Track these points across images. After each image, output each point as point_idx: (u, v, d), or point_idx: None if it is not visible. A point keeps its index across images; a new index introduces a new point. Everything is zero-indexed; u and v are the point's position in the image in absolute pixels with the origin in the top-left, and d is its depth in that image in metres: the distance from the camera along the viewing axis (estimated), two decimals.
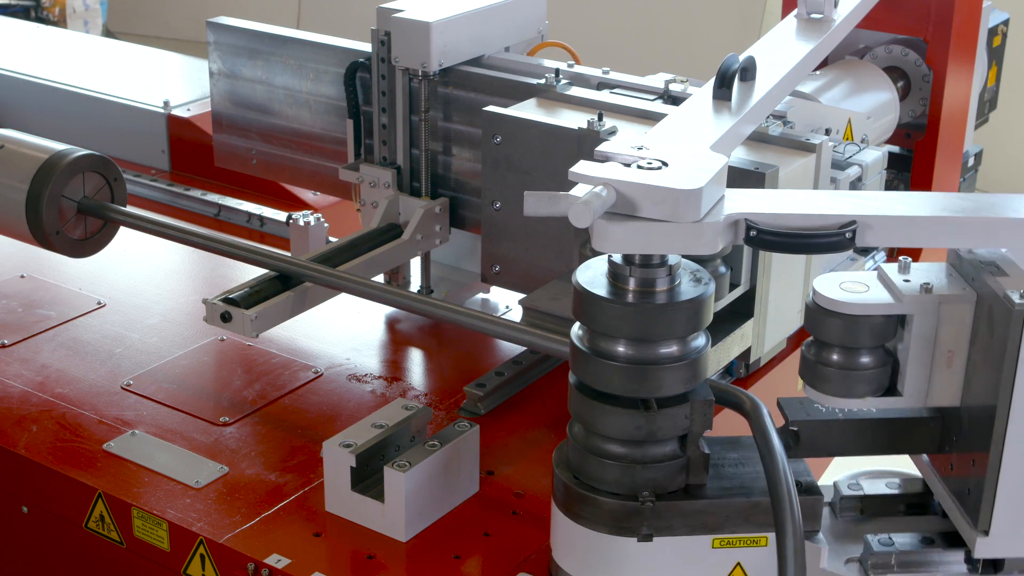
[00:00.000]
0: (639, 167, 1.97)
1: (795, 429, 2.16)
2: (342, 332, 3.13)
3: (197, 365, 2.98)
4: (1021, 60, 2.95)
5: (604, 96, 2.86)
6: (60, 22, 9.43)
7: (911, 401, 2.10)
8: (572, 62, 3.06)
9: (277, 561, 2.31)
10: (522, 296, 2.68)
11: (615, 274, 2.05)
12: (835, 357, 2.09)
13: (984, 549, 2.06)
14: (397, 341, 3.10)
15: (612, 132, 2.62)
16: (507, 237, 2.81)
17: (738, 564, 2.20)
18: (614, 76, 2.96)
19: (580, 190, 1.94)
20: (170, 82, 4.41)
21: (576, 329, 2.11)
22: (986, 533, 2.04)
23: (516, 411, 2.81)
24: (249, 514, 2.45)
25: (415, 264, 3.19)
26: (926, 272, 2.07)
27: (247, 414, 2.78)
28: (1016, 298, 1.91)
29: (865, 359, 2.08)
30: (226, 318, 2.70)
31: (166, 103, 4.09)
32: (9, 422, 2.75)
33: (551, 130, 2.69)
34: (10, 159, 2.98)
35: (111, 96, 4.17)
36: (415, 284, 3.17)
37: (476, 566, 2.33)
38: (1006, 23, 3.21)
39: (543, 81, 2.90)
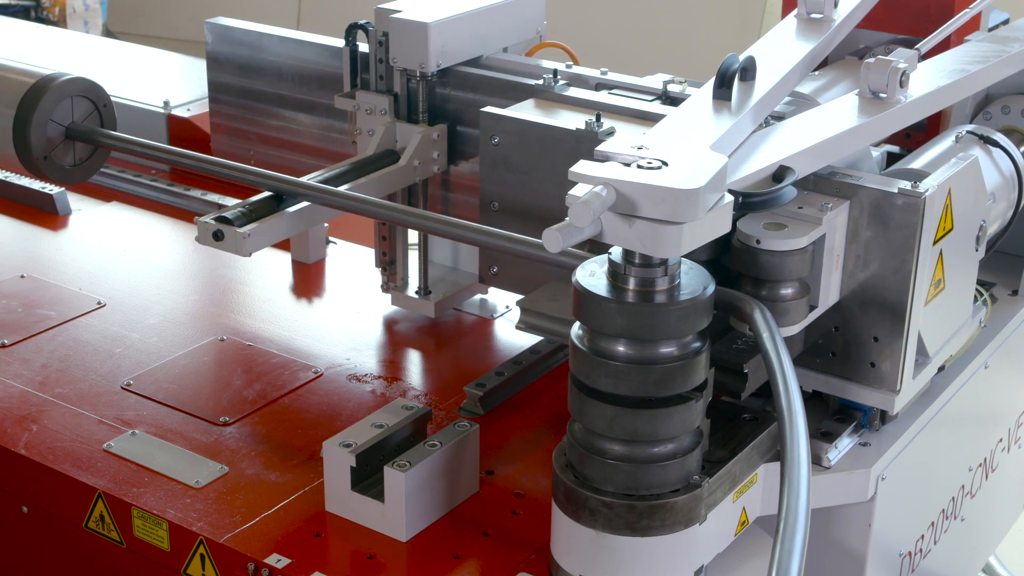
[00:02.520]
0: (639, 167, 1.97)
1: (747, 371, 2.25)
2: (342, 332, 3.13)
3: (197, 365, 2.98)
4: None
5: (602, 97, 2.85)
6: (60, 22, 9.44)
7: (821, 309, 2.34)
8: (571, 63, 3.05)
9: (277, 561, 2.31)
10: (520, 297, 2.67)
11: (615, 273, 2.05)
12: (789, 291, 2.24)
13: (899, 403, 2.40)
14: (397, 341, 3.11)
15: (610, 133, 2.61)
16: None
17: (743, 509, 2.30)
18: (612, 77, 2.95)
19: (580, 190, 1.94)
20: (170, 82, 4.41)
21: (576, 329, 2.11)
22: (899, 391, 2.38)
23: (516, 411, 2.82)
24: (249, 514, 2.45)
25: (412, 264, 3.17)
26: (802, 198, 2.29)
27: (247, 414, 2.78)
28: (912, 188, 2.25)
29: (800, 286, 2.27)
30: (218, 236, 2.61)
31: (166, 103, 4.09)
32: (9, 422, 2.75)
33: (549, 131, 2.68)
34: None
35: (111, 96, 4.17)
36: (413, 284, 3.16)
37: (476, 566, 2.34)
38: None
39: (541, 82, 2.89)
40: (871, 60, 2.44)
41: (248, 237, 2.62)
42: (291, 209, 2.73)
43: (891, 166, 2.60)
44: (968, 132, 2.69)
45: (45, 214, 3.77)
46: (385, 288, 3.19)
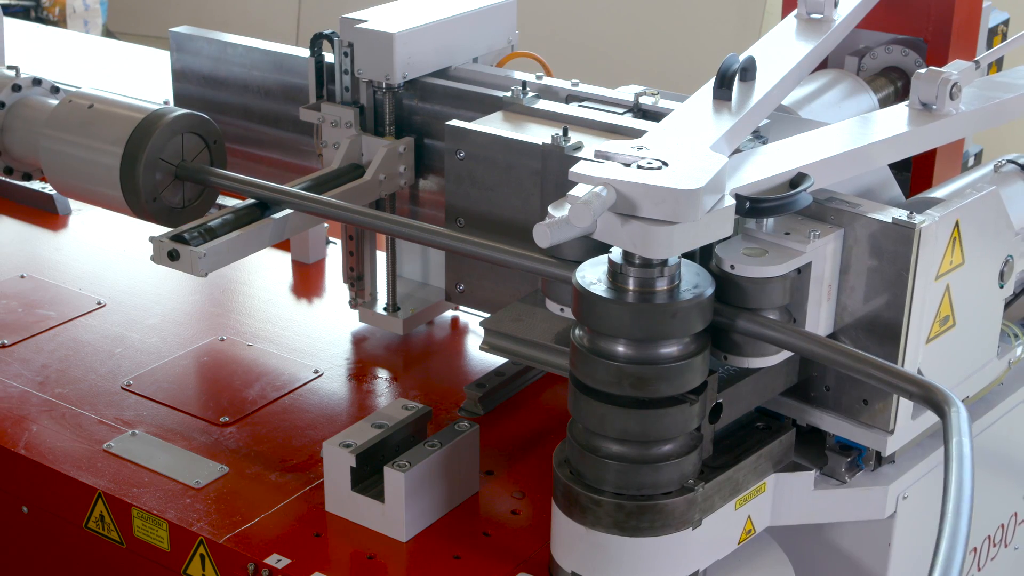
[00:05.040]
0: (639, 167, 1.97)
1: (721, 401, 2.19)
2: (342, 332, 3.13)
3: (197, 365, 2.98)
4: (1021, 60, 2.95)
5: (572, 110, 2.75)
6: (60, 22, 9.44)
7: None
8: (542, 73, 2.95)
9: (277, 561, 2.31)
10: (486, 316, 2.57)
11: (614, 274, 2.05)
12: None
13: (892, 444, 2.28)
14: (397, 341, 3.10)
15: (577, 148, 2.51)
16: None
17: (748, 518, 2.28)
18: (583, 88, 2.85)
19: (580, 190, 1.94)
20: (170, 82, 4.40)
21: (576, 329, 2.11)
22: (892, 432, 2.27)
23: (516, 411, 2.82)
24: (249, 514, 2.45)
25: (381, 280, 3.09)
26: (792, 223, 2.21)
27: (247, 414, 2.78)
28: (907, 218, 2.15)
29: (779, 315, 2.19)
30: (173, 256, 2.56)
31: (166, 103, 4.09)
32: (9, 422, 2.75)
33: (514, 145, 2.60)
34: (100, 120, 2.80)
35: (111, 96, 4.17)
36: (381, 300, 3.08)
37: (476, 566, 2.34)
38: (1006, 23, 3.20)
39: (510, 94, 2.79)
40: (922, 72, 2.36)
41: (204, 257, 2.56)
42: (251, 227, 2.65)
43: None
44: (1009, 161, 2.56)
45: (45, 214, 3.77)
46: (353, 304, 3.11)
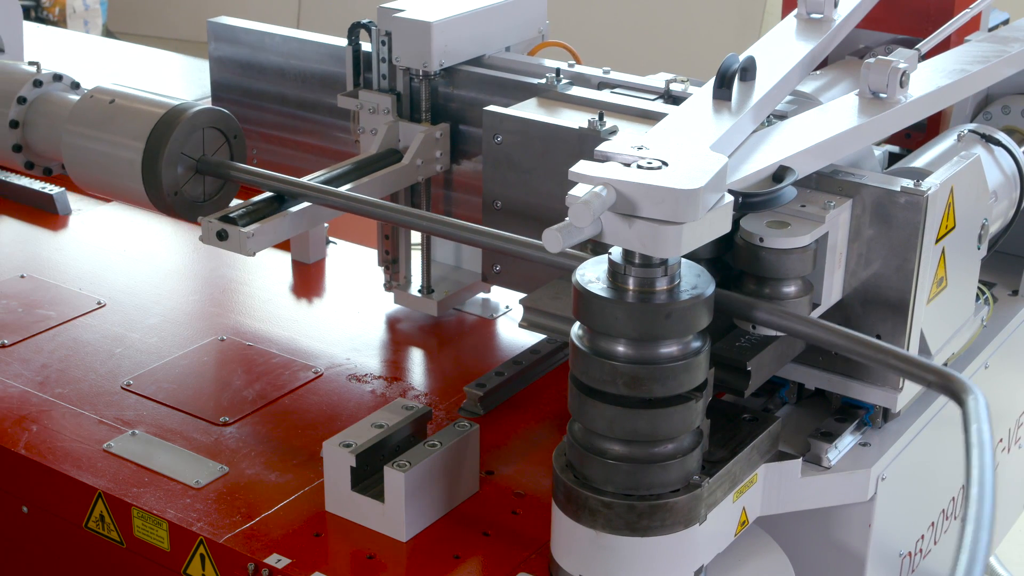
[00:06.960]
0: (639, 167, 1.97)
1: (750, 369, 2.24)
2: (342, 332, 3.13)
3: (197, 365, 2.98)
4: None
5: (605, 96, 2.86)
6: (60, 22, 9.44)
7: (823, 308, 2.37)
8: (573, 62, 3.06)
9: (277, 561, 2.31)
10: (523, 296, 2.67)
11: (615, 273, 2.05)
12: (792, 289, 2.26)
13: (902, 401, 2.41)
14: (397, 341, 3.11)
15: (613, 132, 2.61)
16: None
17: (743, 509, 2.31)
18: (615, 76, 2.96)
19: (580, 190, 1.94)
20: (170, 82, 4.41)
21: (576, 329, 2.11)
22: (901, 388, 2.39)
23: (516, 411, 2.82)
24: (249, 514, 2.45)
25: (416, 263, 3.18)
26: (805, 196, 2.31)
27: (247, 414, 2.78)
28: (914, 187, 2.27)
29: (803, 284, 2.29)
30: (222, 236, 2.62)
31: None
32: (9, 422, 2.75)
33: (552, 130, 2.68)
34: (122, 115, 2.81)
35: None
36: (416, 283, 3.17)
37: (476, 566, 2.34)
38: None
39: (544, 81, 2.89)
40: (871, 60, 2.44)
41: (252, 236, 2.62)
42: (294, 209, 2.72)
43: (892, 166, 2.60)
44: (970, 131, 2.70)
45: (45, 214, 3.77)
46: (388, 287, 3.20)
